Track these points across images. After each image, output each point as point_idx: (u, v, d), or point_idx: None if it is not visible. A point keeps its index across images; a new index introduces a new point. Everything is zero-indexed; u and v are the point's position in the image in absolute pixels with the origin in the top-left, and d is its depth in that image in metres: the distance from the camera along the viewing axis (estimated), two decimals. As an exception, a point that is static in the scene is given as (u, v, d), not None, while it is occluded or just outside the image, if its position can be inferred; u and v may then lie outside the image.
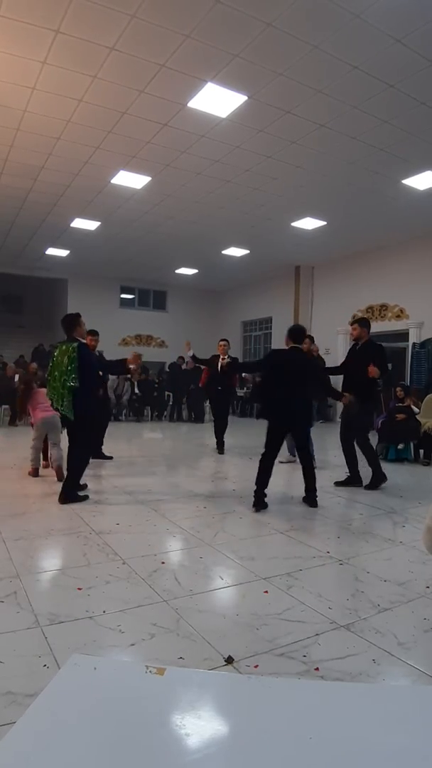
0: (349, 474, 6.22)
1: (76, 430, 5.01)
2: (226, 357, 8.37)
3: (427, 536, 2.42)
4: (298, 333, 5.31)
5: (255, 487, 5.00)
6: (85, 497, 5.05)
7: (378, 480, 5.97)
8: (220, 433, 8.55)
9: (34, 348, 16.88)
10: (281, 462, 7.38)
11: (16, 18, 5.10)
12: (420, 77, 5.94)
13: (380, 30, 5.23)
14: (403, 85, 6.12)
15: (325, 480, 6.22)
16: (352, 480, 6.16)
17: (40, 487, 5.51)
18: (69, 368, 4.76)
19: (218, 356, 8.47)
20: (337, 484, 6.17)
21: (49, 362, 5.07)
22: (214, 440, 8.50)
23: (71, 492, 4.96)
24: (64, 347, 4.92)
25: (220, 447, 8.48)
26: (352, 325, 6.34)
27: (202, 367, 9.03)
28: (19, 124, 7.23)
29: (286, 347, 5.26)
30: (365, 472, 6.03)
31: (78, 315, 5.23)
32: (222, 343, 8.51)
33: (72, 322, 5.10)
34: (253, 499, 4.92)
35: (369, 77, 5.98)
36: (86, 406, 4.95)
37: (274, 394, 5.06)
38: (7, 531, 3.94)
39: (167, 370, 15.68)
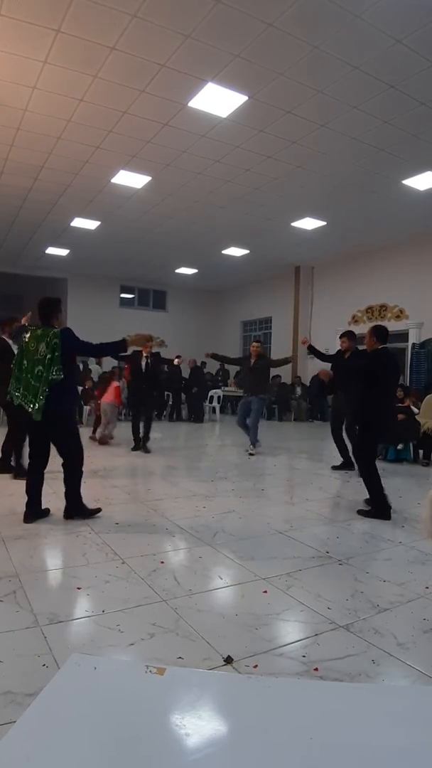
0: (343, 460, 7.04)
1: (57, 432, 4.29)
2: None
3: (428, 524, 2.44)
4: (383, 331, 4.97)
5: (381, 498, 4.71)
6: (98, 510, 4.51)
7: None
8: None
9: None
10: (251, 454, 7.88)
11: (17, 17, 5.10)
12: (420, 78, 5.95)
13: (381, 30, 5.24)
14: (404, 86, 6.12)
15: (324, 481, 6.23)
16: (346, 465, 6.97)
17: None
18: (49, 358, 4.06)
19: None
20: (334, 468, 7.05)
21: (18, 349, 4.36)
22: (215, 441, 8.50)
23: (80, 505, 4.41)
24: (40, 332, 4.19)
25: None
26: (341, 338, 7.11)
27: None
28: (20, 124, 7.23)
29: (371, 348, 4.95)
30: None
31: (59, 300, 4.53)
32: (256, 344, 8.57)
33: (52, 306, 4.38)
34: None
35: (369, 77, 5.99)
36: (69, 405, 4.47)
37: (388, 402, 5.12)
38: (7, 530, 3.94)
39: (166, 369, 15.67)
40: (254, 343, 8.44)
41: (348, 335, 7.05)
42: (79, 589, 2.93)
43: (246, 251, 14.03)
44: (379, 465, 7.52)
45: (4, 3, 4.91)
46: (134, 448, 8.23)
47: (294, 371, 15.14)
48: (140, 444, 8.23)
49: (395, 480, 6.57)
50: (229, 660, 2.23)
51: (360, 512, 4.84)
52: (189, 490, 5.60)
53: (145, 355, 8.24)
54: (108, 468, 6.74)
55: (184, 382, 14.26)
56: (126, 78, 6.12)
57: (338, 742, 1.74)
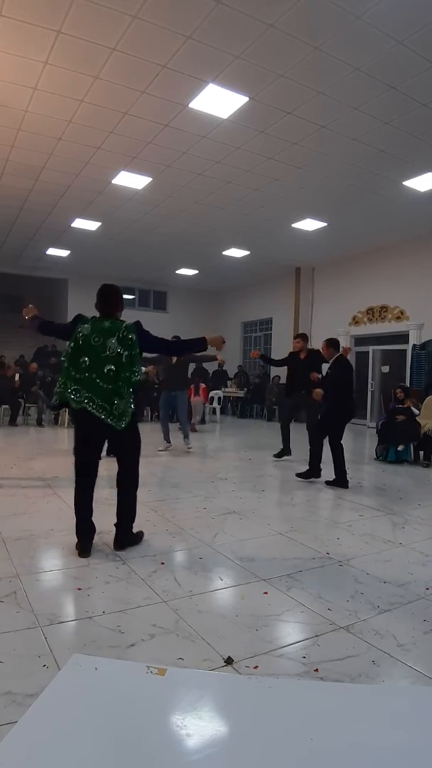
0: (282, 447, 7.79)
1: (128, 444, 3.74)
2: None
3: None
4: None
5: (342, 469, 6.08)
6: (142, 533, 3.95)
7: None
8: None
9: (37, 348, 16.85)
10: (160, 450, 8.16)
11: (17, 18, 5.10)
12: (421, 79, 5.95)
13: (381, 31, 5.24)
14: (404, 87, 6.12)
15: (321, 483, 6.24)
16: (285, 452, 7.79)
17: (40, 489, 5.50)
18: (127, 356, 3.49)
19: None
20: (276, 455, 7.83)
21: (71, 343, 3.58)
22: (215, 442, 8.51)
23: (131, 533, 3.82)
24: (107, 324, 3.57)
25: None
26: (295, 339, 7.77)
27: None
28: (21, 125, 7.23)
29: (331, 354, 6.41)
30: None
31: (120, 289, 3.93)
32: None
33: (117, 295, 3.81)
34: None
35: (370, 78, 5.99)
36: (135, 411, 3.68)
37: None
38: (7, 531, 3.95)
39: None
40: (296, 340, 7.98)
41: (301, 336, 7.74)
42: (79, 589, 2.93)
43: (246, 252, 14.04)
44: (380, 466, 7.59)
45: (5, 4, 4.91)
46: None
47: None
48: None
49: (396, 481, 6.58)
50: (229, 661, 2.23)
51: (327, 483, 6.17)
52: (189, 490, 5.60)
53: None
54: (109, 469, 6.72)
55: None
56: (127, 79, 6.13)
57: (339, 742, 1.74)
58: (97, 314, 3.74)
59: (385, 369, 13.71)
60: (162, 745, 1.69)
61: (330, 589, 3.07)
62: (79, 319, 3.67)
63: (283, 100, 6.52)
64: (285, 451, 7.82)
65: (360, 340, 14.52)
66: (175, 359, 8.22)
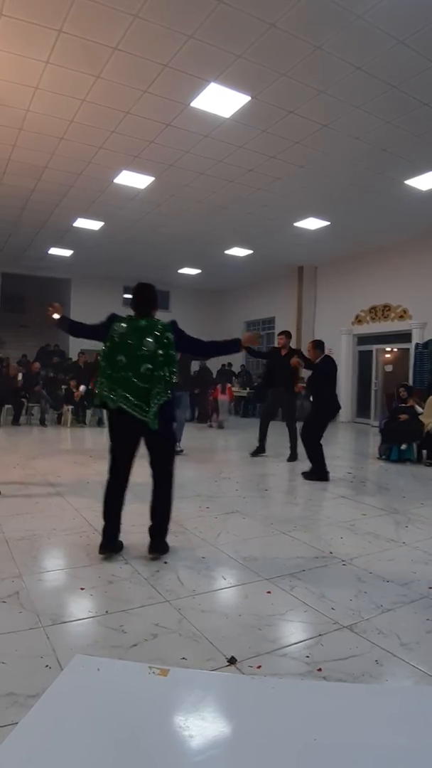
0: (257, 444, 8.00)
1: (163, 445, 3.65)
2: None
3: None
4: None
5: (322, 465, 6.31)
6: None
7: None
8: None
9: (40, 347, 16.88)
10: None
11: (18, 18, 5.11)
12: (422, 78, 5.94)
13: (383, 31, 5.23)
14: (406, 86, 6.11)
15: (329, 482, 6.23)
16: (261, 450, 7.97)
17: (43, 489, 5.50)
18: (162, 355, 3.44)
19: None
20: (252, 454, 7.98)
21: (107, 342, 3.53)
22: (219, 441, 8.49)
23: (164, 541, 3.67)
24: (144, 323, 3.54)
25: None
26: (279, 335, 8.05)
27: None
28: (22, 124, 7.24)
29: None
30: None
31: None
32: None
33: (153, 294, 3.77)
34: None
35: (372, 78, 5.98)
36: (172, 411, 3.68)
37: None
38: (10, 530, 3.95)
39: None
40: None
41: (285, 333, 8.01)
42: (82, 589, 2.93)
43: (249, 251, 14.03)
44: (383, 465, 7.57)
45: (6, 3, 4.91)
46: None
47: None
48: None
49: (399, 480, 6.57)
50: (232, 660, 2.22)
51: (303, 474, 6.40)
52: (192, 490, 5.59)
53: None
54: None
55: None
56: (128, 78, 6.13)
57: (342, 743, 1.73)
58: (132, 313, 3.70)
59: (389, 368, 13.72)
60: (164, 747, 1.68)
61: (333, 589, 3.06)
62: (114, 318, 3.64)
63: (285, 100, 6.52)
64: (260, 449, 7.96)
65: (363, 339, 14.50)
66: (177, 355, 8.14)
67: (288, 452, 7.76)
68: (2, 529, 3.99)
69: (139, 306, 3.68)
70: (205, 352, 4.35)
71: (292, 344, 8.33)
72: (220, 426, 12.45)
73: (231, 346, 3.96)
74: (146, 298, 3.70)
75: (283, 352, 7.73)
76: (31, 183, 9.46)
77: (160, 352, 3.43)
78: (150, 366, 3.41)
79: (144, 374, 3.41)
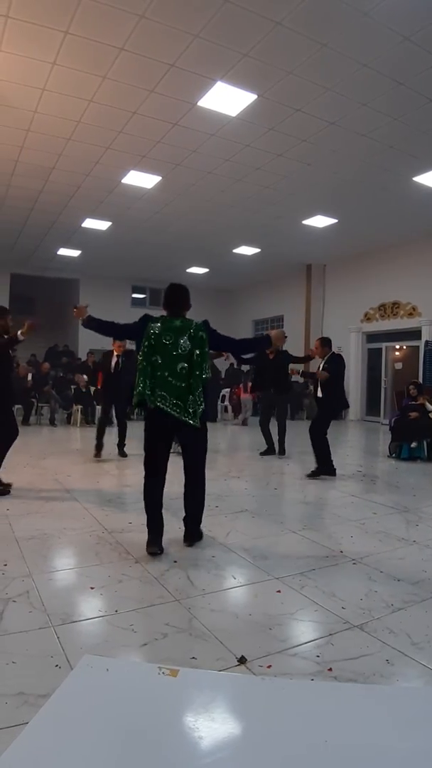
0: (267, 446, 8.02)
1: (199, 442, 3.80)
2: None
3: None
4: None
5: (328, 461, 6.27)
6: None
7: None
8: None
9: (48, 348, 16.94)
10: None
11: (25, 19, 5.12)
12: (429, 74, 5.92)
13: (388, 28, 5.21)
14: (412, 83, 6.09)
15: (337, 480, 6.21)
16: (269, 450, 7.96)
17: (53, 488, 5.52)
18: (198, 354, 3.54)
19: None
20: (263, 453, 7.96)
21: (145, 342, 3.56)
22: (227, 440, 8.49)
23: (199, 529, 3.91)
24: (178, 323, 3.61)
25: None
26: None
27: None
28: (30, 125, 7.27)
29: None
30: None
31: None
32: None
33: (186, 294, 3.84)
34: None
35: (378, 75, 5.96)
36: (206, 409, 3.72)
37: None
38: (20, 530, 3.96)
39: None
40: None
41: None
42: (92, 588, 2.94)
43: (257, 250, 14.02)
44: (393, 463, 7.54)
45: (12, 5, 4.93)
46: (96, 456, 7.31)
47: (307, 370, 15.10)
48: (100, 452, 7.34)
49: (409, 478, 6.54)
50: (242, 660, 2.22)
51: (308, 475, 6.33)
52: (201, 489, 5.58)
53: (116, 354, 7.57)
54: (120, 468, 6.75)
55: None
56: (135, 78, 6.13)
57: (353, 745, 1.72)
58: (164, 313, 3.78)
59: (398, 366, 13.66)
60: (174, 748, 1.68)
61: (343, 588, 3.05)
62: (148, 318, 3.71)
63: (292, 98, 6.50)
64: (270, 449, 7.99)
65: (372, 337, 14.45)
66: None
67: (287, 453, 7.84)
68: (12, 528, 4.01)
69: (171, 306, 3.75)
70: (237, 349, 4.48)
71: (297, 344, 8.45)
72: (244, 423, 12.81)
73: (262, 342, 4.11)
74: (178, 297, 3.78)
75: (271, 355, 7.77)
76: (39, 184, 9.49)
77: (197, 351, 3.53)
78: (186, 365, 3.51)
79: (180, 374, 3.50)
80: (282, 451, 7.86)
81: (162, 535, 3.65)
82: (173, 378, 3.50)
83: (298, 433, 7.87)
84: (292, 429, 8.09)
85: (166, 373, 3.50)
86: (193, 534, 3.79)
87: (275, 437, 7.92)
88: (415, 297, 12.83)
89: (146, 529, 3.68)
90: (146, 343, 3.55)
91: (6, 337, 5.07)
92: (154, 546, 3.53)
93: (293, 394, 14.73)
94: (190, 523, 3.80)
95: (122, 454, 7.51)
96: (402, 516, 4.72)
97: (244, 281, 18.50)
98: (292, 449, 7.96)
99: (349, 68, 5.87)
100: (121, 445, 7.58)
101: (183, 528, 3.89)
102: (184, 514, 3.87)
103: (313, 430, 6.48)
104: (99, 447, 7.35)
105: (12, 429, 5.24)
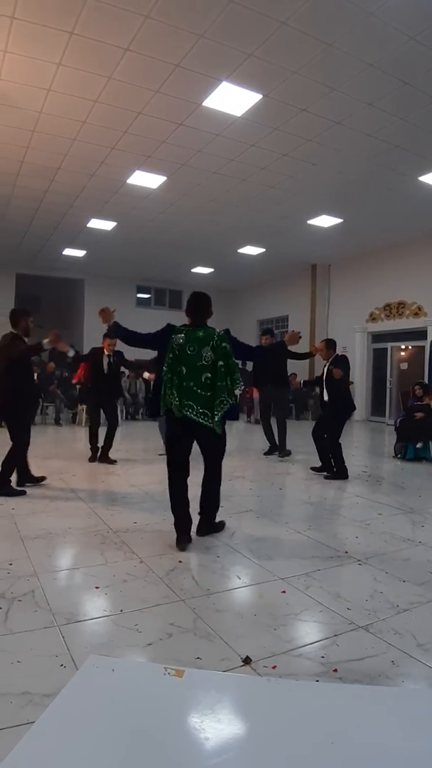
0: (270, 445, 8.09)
1: (218, 445, 3.92)
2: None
3: None
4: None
5: (342, 465, 6.31)
6: (223, 523, 4.21)
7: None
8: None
9: (53, 348, 16.95)
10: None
11: (30, 20, 5.13)
12: (435, 73, 5.88)
13: (394, 27, 5.19)
14: (418, 82, 6.06)
15: (342, 481, 6.20)
16: (274, 448, 7.97)
17: (58, 488, 5.53)
18: (222, 365, 3.67)
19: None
20: (266, 453, 8.06)
21: (170, 354, 3.70)
22: (231, 440, 8.42)
23: (213, 522, 4.10)
24: (201, 334, 3.73)
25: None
26: (262, 336, 8.10)
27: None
28: (35, 126, 7.28)
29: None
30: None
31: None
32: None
33: (208, 304, 3.95)
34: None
35: (383, 74, 5.94)
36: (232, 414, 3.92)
37: None
38: (26, 529, 3.97)
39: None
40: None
41: (269, 333, 8.12)
42: (97, 588, 2.94)
43: (262, 250, 14.00)
44: (399, 464, 7.52)
45: (18, 6, 4.94)
46: (92, 459, 7.10)
47: (312, 370, 15.06)
48: (98, 455, 7.09)
49: (414, 479, 6.52)
50: (247, 660, 2.22)
51: (326, 477, 6.32)
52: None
53: (107, 353, 7.12)
54: (126, 467, 6.76)
55: None
56: (140, 78, 6.13)
57: (360, 747, 1.71)
58: (187, 321, 3.92)
59: (404, 366, 13.62)
60: (180, 749, 1.68)
61: (349, 588, 3.04)
62: (171, 328, 3.82)
63: (297, 97, 6.49)
64: (273, 448, 8.02)
65: (377, 337, 14.41)
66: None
67: (287, 453, 7.79)
68: (18, 527, 4.02)
69: (195, 315, 3.89)
70: (255, 356, 4.94)
71: (302, 344, 8.19)
72: (257, 422, 12.63)
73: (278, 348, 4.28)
74: (201, 307, 3.89)
75: (264, 341, 7.83)
76: (45, 184, 9.50)
77: (221, 363, 3.67)
78: (209, 375, 3.66)
79: (205, 383, 3.66)
80: (283, 451, 7.73)
81: (190, 530, 3.79)
82: (199, 388, 3.65)
83: (305, 434, 7.83)
84: (297, 429, 8.06)
85: (192, 384, 3.65)
86: (204, 525, 3.97)
87: (295, 441, 7.86)
88: (420, 297, 12.79)
89: (151, 529, 3.69)
90: (170, 354, 3.68)
91: (25, 340, 5.16)
92: (184, 542, 3.68)
93: (298, 395, 14.79)
94: (203, 515, 3.98)
95: (109, 459, 7.02)
96: (407, 517, 4.70)
97: (249, 281, 18.48)
98: (297, 450, 7.94)
99: (354, 68, 5.85)
100: (107, 448, 7.07)
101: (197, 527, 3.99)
102: (192, 512, 3.94)
103: (317, 432, 6.49)
104: (95, 450, 7.13)
105: (25, 442, 5.37)
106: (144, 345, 4.06)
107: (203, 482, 3.96)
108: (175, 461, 3.84)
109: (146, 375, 7.70)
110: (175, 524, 3.78)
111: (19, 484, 5.35)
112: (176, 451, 3.84)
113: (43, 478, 5.66)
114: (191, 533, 3.81)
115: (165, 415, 3.79)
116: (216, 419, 3.66)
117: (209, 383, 3.66)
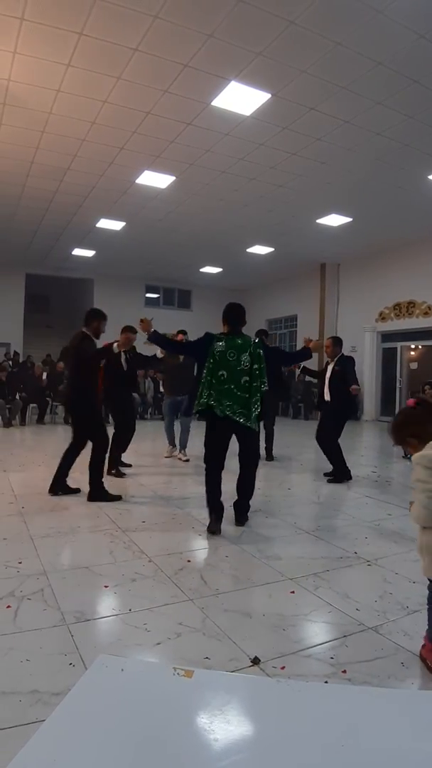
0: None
1: (254, 438, 4.31)
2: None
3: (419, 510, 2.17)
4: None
5: (343, 467, 6.21)
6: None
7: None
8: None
9: (63, 347, 17.00)
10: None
11: (40, 22, 5.15)
12: (445, 71, 5.85)
13: (403, 25, 5.18)
14: (428, 81, 6.04)
15: (351, 481, 6.18)
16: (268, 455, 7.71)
17: (68, 485, 5.53)
18: (256, 368, 4.09)
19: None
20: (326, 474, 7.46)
21: (210, 360, 4.09)
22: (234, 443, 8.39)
23: (246, 515, 4.41)
24: (240, 342, 4.15)
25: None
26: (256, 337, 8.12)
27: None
28: (45, 126, 7.31)
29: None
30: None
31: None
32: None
33: (244, 314, 4.36)
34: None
35: (393, 73, 5.92)
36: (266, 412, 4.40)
37: None
38: (35, 528, 3.98)
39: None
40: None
41: (264, 334, 7.79)
42: (106, 587, 2.95)
43: (271, 249, 13.99)
44: (408, 464, 7.47)
45: (28, 7, 4.96)
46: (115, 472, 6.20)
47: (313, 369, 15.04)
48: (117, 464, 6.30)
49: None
50: (256, 661, 2.21)
51: (329, 480, 6.19)
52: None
53: (122, 350, 5.77)
54: (135, 466, 6.76)
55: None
56: (149, 79, 6.14)
57: (371, 750, 1.70)
58: (223, 329, 4.31)
59: (413, 365, 13.55)
60: (189, 749, 1.67)
61: (358, 589, 3.03)
62: (211, 337, 4.23)
63: (306, 96, 6.48)
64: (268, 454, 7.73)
65: (387, 336, 14.34)
66: (181, 358, 7.29)
67: (291, 455, 7.81)
68: (27, 526, 4.04)
69: (233, 323, 4.28)
70: (285, 361, 5.69)
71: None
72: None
73: (304, 353, 4.77)
74: (238, 317, 4.31)
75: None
76: (54, 185, 9.54)
77: (256, 366, 4.09)
78: (248, 378, 4.07)
79: (243, 385, 4.06)
80: (270, 457, 7.52)
81: (221, 520, 4.10)
82: (238, 389, 4.04)
83: (313, 434, 7.81)
84: (305, 429, 8.03)
85: (232, 386, 4.04)
86: (242, 518, 4.33)
87: (300, 443, 7.82)
88: (430, 296, 12.72)
89: (159, 528, 3.70)
90: (211, 360, 4.09)
91: (94, 341, 5.14)
92: (216, 526, 4.02)
93: (306, 395, 14.76)
94: (241, 507, 4.36)
95: (118, 473, 6.20)
96: (417, 517, 4.67)
97: (258, 281, 18.47)
98: (305, 449, 7.91)
99: (363, 66, 5.83)
100: (119, 456, 6.38)
101: (205, 526, 4.13)
102: (204, 514, 4.23)
103: (321, 436, 6.41)
104: (119, 462, 6.39)
105: (105, 437, 5.17)
106: (183, 352, 4.58)
107: (241, 470, 4.35)
108: (215, 457, 4.20)
109: (159, 353, 6.63)
110: (211, 511, 4.11)
111: (51, 490, 5.17)
112: (217, 447, 4.19)
113: (77, 490, 5.22)
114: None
115: (198, 413, 4.21)
116: (252, 417, 4.06)
117: (247, 386, 4.06)
